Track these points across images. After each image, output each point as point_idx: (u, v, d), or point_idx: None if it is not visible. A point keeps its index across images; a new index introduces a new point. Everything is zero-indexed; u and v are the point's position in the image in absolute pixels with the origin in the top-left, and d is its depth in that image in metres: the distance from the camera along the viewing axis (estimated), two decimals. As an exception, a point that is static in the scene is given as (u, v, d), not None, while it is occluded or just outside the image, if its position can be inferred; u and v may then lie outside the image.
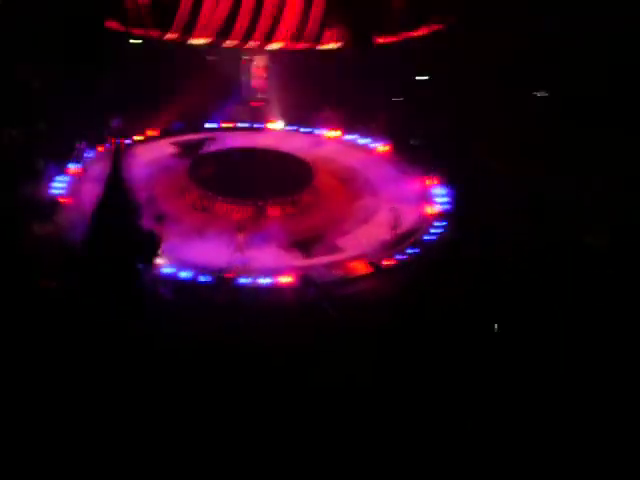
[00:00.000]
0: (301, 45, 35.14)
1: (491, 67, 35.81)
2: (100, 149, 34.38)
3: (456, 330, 23.50)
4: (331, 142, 37.12)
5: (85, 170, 32.74)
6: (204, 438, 19.73)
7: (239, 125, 37.97)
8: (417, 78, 38.34)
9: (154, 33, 38.03)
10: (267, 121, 37.98)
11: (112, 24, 37.03)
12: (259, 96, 35.30)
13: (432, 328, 23.74)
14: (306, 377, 21.99)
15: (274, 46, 36.58)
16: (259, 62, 35.29)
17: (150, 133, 36.43)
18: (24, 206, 28.83)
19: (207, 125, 37.53)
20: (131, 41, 37.13)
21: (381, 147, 36.21)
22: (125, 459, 18.88)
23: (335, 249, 28.97)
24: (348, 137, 37.47)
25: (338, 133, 37.26)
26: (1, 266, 24.52)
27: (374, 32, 37.75)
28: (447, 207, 31.46)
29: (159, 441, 19.46)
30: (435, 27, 37.64)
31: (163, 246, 26.51)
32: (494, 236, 27.72)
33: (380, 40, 38.09)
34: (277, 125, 38.02)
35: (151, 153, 35.16)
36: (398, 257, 28.40)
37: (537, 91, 38.21)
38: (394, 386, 21.53)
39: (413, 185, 33.17)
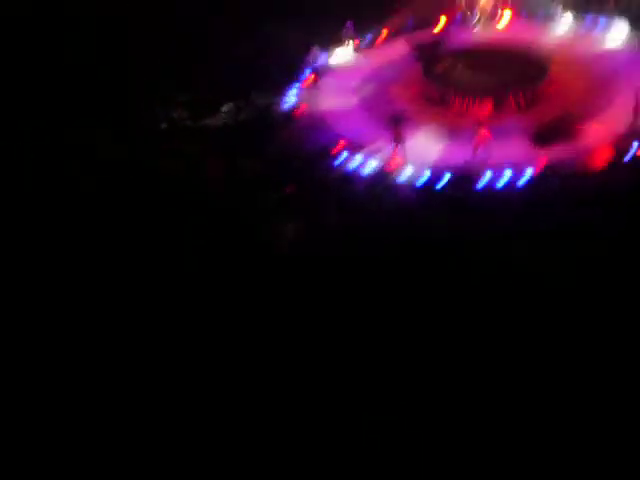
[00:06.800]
0: None
1: None
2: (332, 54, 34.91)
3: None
4: (567, 32, 35.83)
5: (319, 78, 33.03)
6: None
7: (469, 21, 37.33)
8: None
9: None
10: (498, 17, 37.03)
11: None
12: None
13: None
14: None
15: None
16: None
17: (383, 33, 36.35)
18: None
19: (439, 22, 37.02)
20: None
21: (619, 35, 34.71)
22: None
23: (576, 140, 28.19)
24: (583, 26, 36.06)
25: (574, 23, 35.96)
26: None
27: None
28: None
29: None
30: None
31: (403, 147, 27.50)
32: None
33: None
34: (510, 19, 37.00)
35: (385, 53, 35.11)
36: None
37: None
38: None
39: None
